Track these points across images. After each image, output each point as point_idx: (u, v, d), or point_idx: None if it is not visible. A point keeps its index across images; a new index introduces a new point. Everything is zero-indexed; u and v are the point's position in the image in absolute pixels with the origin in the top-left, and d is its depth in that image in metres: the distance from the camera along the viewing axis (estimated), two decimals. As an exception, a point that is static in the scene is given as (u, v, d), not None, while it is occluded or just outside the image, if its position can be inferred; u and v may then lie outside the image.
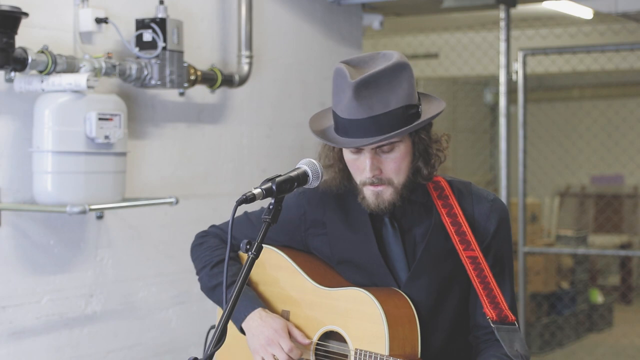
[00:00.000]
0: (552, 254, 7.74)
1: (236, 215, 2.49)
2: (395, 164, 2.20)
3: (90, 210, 3.37)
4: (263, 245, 2.39)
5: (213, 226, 2.61)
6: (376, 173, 2.19)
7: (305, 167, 2.06)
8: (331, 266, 2.41)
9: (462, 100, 11.17)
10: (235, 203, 1.94)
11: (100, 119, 3.40)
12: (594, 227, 10.36)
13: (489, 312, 2.26)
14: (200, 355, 1.94)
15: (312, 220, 2.40)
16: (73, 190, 3.38)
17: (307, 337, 2.38)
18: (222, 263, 2.48)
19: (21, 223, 3.50)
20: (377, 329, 2.21)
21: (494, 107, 11.01)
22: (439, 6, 5.51)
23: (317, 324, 2.36)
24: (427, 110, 2.23)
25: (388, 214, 2.30)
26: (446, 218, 2.29)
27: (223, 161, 4.44)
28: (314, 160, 2.08)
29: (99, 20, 3.63)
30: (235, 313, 2.37)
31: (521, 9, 6.22)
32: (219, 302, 2.49)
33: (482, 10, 6.22)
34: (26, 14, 3.24)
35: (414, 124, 2.16)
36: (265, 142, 4.68)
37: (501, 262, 2.34)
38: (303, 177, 2.05)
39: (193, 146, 4.26)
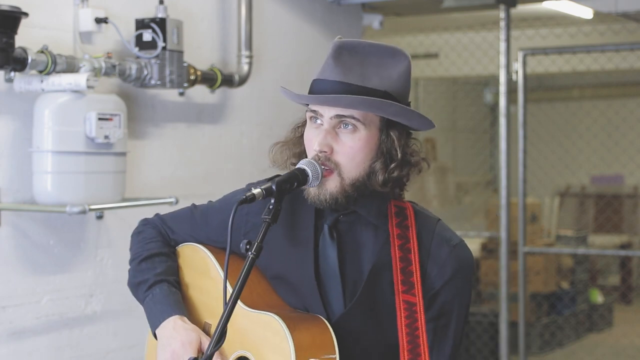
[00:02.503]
0: (552, 254, 7.74)
1: (183, 207, 2.34)
2: (351, 149, 1.98)
3: (90, 210, 3.37)
4: (196, 245, 2.24)
5: (157, 215, 2.38)
6: (326, 150, 1.98)
7: (305, 167, 1.99)
8: (266, 279, 2.15)
9: (462, 100, 11.18)
10: (235, 203, 1.93)
11: (100, 119, 3.41)
12: (594, 227, 10.36)
13: None
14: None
15: (252, 224, 2.14)
16: (73, 190, 3.39)
17: (222, 358, 2.11)
18: (151, 258, 2.25)
19: (21, 223, 3.49)
20: None
21: (494, 107, 11.01)
22: (439, 6, 5.51)
23: (233, 345, 2.09)
24: (412, 115, 2.01)
25: (329, 221, 2.06)
26: (397, 251, 2.01)
27: (223, 161, 4.44)
28: (313, 160, 2.00)
29: (98, 20, 3.63)
30: (151, 317, 2.20)
31: (521, 9, 6.22)
32: (140, 302, 2.26)
33: (482, 10, 6.22)
34: (26, 14, 3.24)
35: (387, 100, 1.96)
36: (265, 142, 4.67)
37: (447, 316, 2.03)
38: (303, 177, 1.98)
39: (193, 146, 4.26)
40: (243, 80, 4.36)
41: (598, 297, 8.69)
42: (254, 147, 4.61)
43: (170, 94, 4.10)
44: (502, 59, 5.53)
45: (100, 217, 3.78)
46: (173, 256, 2.31)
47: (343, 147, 1.99)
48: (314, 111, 2.03)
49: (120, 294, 3.90)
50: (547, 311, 7.91)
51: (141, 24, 3.77)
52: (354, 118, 1.99)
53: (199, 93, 4.26)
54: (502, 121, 5.57)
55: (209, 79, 4.14)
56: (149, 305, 2.22)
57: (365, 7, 5.49)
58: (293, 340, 1.94)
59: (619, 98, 10.38)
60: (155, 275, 2.23)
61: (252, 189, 1.93)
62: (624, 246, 9.86)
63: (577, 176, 10.67)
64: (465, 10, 5.93)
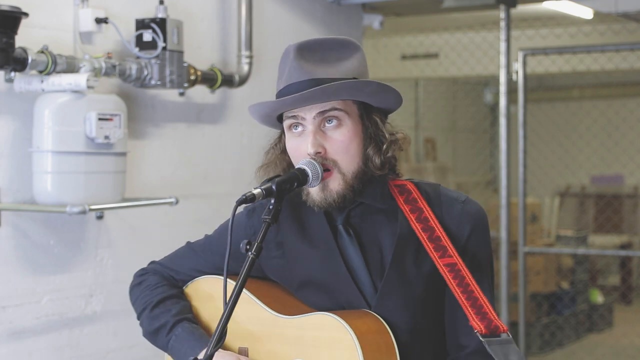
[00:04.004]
0: (552, 254, 7.75)
1: (177, 249, 2.35)
2: (342, 143, 1.99)
3: (90, 210, 3.36)
4: (210, 276, 2.22)
5: (152, 262, 2.36)
6: (320, 150, 1.99)
7: (304, 167, 1.99)
8: (290, 292, 2.15)
9: (462, 100, 11.18)
10: (235, 203, 1.92)
11: (100, 119, 3.40)
12: (594, 227, 10.36)
13: (477, 325, 1.94)
14: (200, 356, 1.93)
15: (265, 243, 2.07)
16: (73, 190, 3.38)
17: None
18: (163, 303, 2.22)
19: (21, 223, 3.49)
20: (351, 357, 1.93)
21: (494, 107, 11.01)
22: (439, 6, 5.51)
23: (281, 359, 2.07)
24: (388, 91, 2.04)
25: (341, 220, 2.07)
26: (416, 224, 2.03)
27: (223, 161, 4.44)
28: (313, 161, 1.99)
29: (99, 20, 3.63)
30: (178, 356, 2.15)
31: (521, 9, 6.22)
32: (163, 348, 2.22)
33: (482, 10, 6.22)
34: (26, 14, 3.24)
35: (365, 80, 2.00)
36: (266, 143, 4.67)
37: (479, 269, 2.06)
38: (303, 177, 1.98)
39: (193, 146, 4.26)
40: (243, 81, 4.36)
41: (598, 297, 8.69)
42: (253, 147, 4.61)
43: (171, 94, 4.10)
44: (502, 59, 5.53)
45: (100, 217, 3.78)
46: (183, 296, 2.28)
47: (335, 143, 2.00)
48: (293, 116, 2.03)
49: (120, 294, 3.90)
50: (547, 311, 7.92)
51: (141, 24, 3.77)
52: (336, 109, 2.00)
53: (199, 93, 4.26)
54: (502, 121, 5.57)
55: (209, 79, 4.14)
56: (175, 346, 2.17)
57: (365, 7, 5.49)
58: (353, 329, 1.93)
59: (619, 98, 10.38)
60: (173, 316, 2.20)
61: (253, 189, 1.93)
62: (624, 246, 9.87)
63: (577, 176, 10.68)
64: (465, 10, 5.93)
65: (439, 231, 2.03)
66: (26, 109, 3.45)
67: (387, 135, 2.04)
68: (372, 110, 2.05)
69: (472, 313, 1.96)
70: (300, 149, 2.02)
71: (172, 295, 2.25)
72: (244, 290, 2.06)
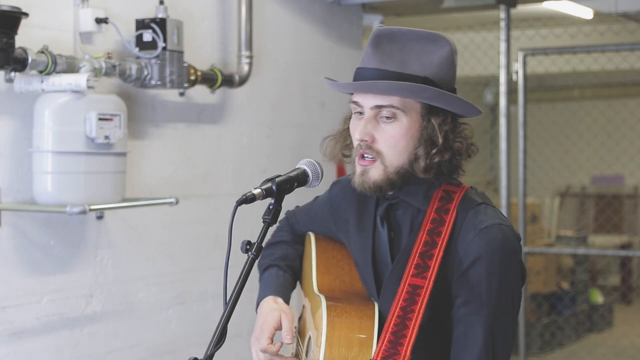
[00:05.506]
0: (552, 254, 7.74)
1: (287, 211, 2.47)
2: (392, 137, 1.98)
3: (90, 210, 3.36)
4: (310, 234, 2.36)
5: (296, 206, 2.50)
6: (367, 139, 1.99)
7: (304, 167, 2.01)
8: (349, 263, 2.25)
9: (462, 101, 11.15)
10: (235, 203, 1.93)
11: (100, 119, 3.40)
12: (594, 227, 10.36)
13: (377, 351, 1.95)
14: (200, 356, 1.93)
15: (337, 216, 2.26)
16: (73, 191, 3.38)
17: (300, 339, 2.25)
18: (275, 245, 2.41)
19: (21, 223, 3.49)
20: (318, 347, 2.04)
21: (494, 107, 11.00)
22: (439, 6, 5.51)
23: (308, 327, 2.24)
24: (452, 100, 1.99)
25: (381, 212, 2.09)
26: (424, 235, 2.00)
27: (223, 161, 4.44)
28: (313, 160, 2.02)
29: (99, 21, 3.63)
30: (258, 298, 2.31)
31: (521, 9, 6.22)
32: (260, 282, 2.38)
33: (482, 10, 6.22)
34: (26, 14, 3.24)
35: (422, 85, 1.95)
36: (265, 142, 4.68)
37: (477, 300, 1.96)
38: (303, 177, 2.00)
39: (193, 146, 4.26)
40: (243, 81, 4.36)
41: (598, 297, 8.69)
42: (254, 147, 4.61)
43: (171, 94, 4.10)
44: (503, 59, 5.53)
45: (100, 217, 3.78)
46: (295, 245, 2.43)
47: (384, 136, 2.00)
48: (355, 102, 2.05)
49: (120, 294, 3.90)
50: (548, 311, 7.91)
51: (141, 24, 3.77)
52: (392, 107, 1.99)
53: (199, 93, 4.26)
54: (503, 121, 5.57)
55: (209, 79, 4.14)
56: (260, 286, 2.35)
57: (365, 7, 5.49)
58: (328, 324, 2.01)
59: (619, 98, 10.38)
60: (271, 260, 2.36)
61: (253, 189, 1.95)
62: (624, 246, 9.86)
63: (578, 176, 10.67)
64: (465, 10, 5.93)
65: (440, 250, 1.98)
66: (26, 109, 3.45)
67: (440, 141, 1.99)
68: (436, 112, 2.01)
69: (385, 339, 1.95)
70: (355, 132, 2.04)
71: (283, 241, 2.43)
72: (314, 255, 2.27)
